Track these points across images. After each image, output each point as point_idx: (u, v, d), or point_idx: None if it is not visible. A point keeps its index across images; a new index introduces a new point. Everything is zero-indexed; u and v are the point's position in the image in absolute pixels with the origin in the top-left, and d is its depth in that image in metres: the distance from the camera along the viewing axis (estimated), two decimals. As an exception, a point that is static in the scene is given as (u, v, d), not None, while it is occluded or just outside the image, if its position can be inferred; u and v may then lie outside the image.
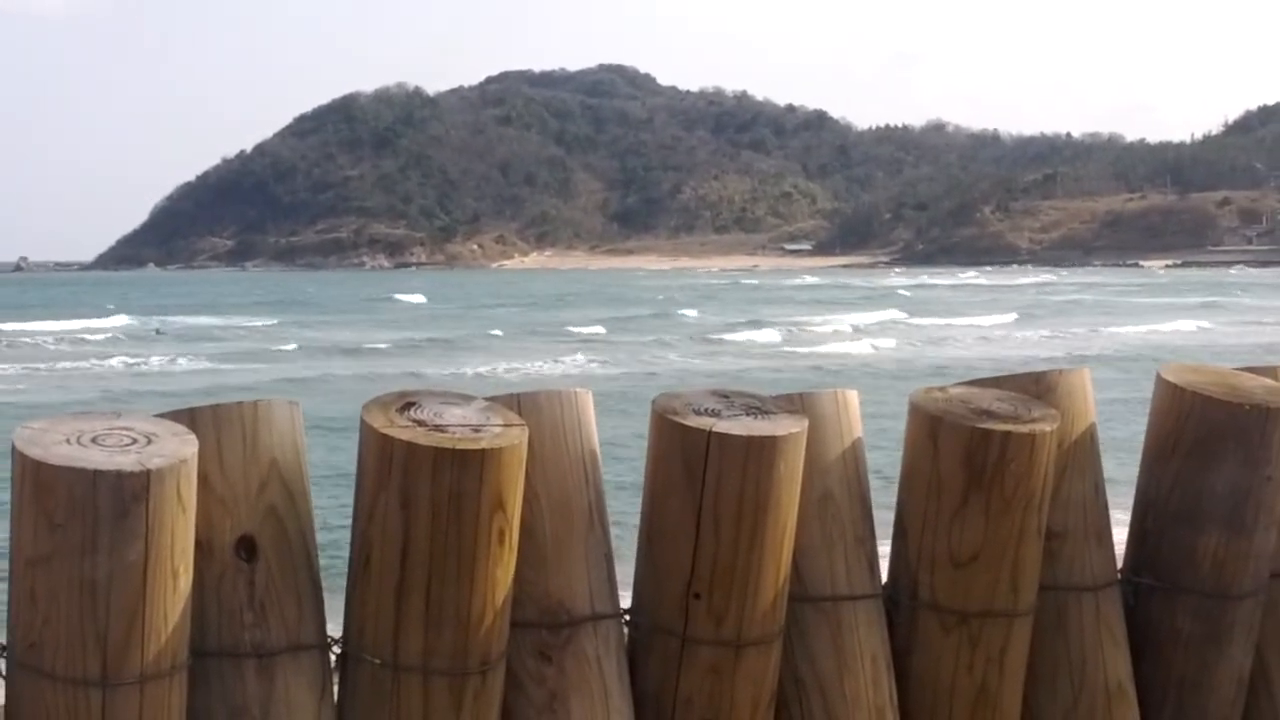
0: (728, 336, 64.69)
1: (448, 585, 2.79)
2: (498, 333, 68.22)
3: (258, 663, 2.82)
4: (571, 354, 54.76)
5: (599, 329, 70.05)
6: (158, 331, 72.48)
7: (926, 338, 64.16)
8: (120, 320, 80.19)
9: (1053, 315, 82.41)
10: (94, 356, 54.82)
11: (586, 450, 3.12)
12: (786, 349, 58.16)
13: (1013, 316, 79.65)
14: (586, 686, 3.05)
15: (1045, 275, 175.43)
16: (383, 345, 61.30)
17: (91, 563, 2.50)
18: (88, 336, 67.49)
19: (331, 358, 54.63)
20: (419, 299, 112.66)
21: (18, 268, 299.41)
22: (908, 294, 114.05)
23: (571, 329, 70.41)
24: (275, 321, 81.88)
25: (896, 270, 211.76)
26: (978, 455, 3.22)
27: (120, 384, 44.25)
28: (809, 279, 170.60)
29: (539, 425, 3.02)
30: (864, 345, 59.02)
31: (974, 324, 73.48)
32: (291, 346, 59.79)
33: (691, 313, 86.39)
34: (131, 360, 53.25)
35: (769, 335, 65.65)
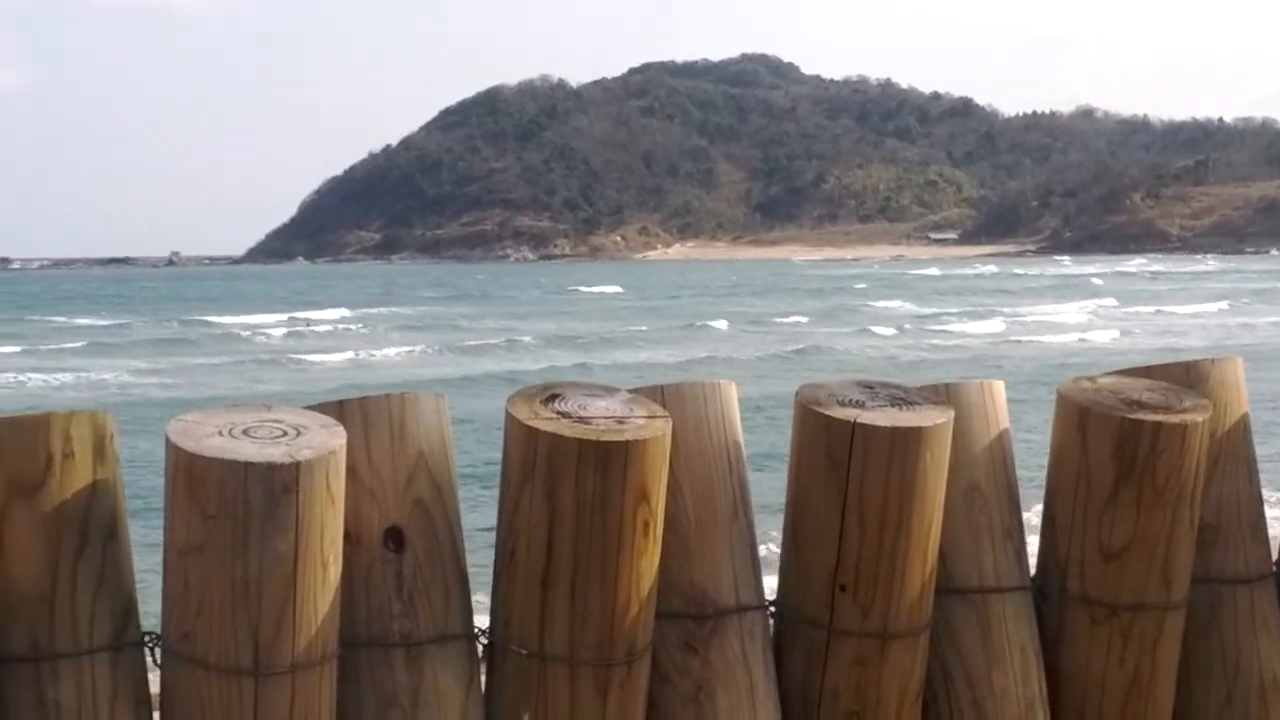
0: (950, 327, 63.40)
1: (592, 577, 2.80)
2: (720, 324, 67.13)
3: (406, 653, 2.84)
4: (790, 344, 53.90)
5: (800, 319, 69.56)
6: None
7: (1152, 327, 62.74)
8: (339, 312, 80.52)
9: (1261, 302, 79.94)
10: (320, 351, 54.31)
11: (730, 441, 3.12)
12: (1013, 339, 56.55)
13: (1222, 304, 77.54)
14: (732, 678, 3.04)
15: (1213, 262, 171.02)
16: (610, 335, 61.34)
17: (243, 553, 2.54)
18: (306, 329, 67.83)
19: (565, 348, 54.55)
20: (612, 289, 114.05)
21: (170, 262, 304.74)
22: (1100, 282, 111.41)
23: (778, 320, 69.82)
24: (473, 312, 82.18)
25: (1060, 258, 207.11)
26: (1128, 446, 3.17)
27: (384, 375, 44.02)
28: (983, 268, 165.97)
29: (682, 416, 3.01)
30: (1103, 334, 57.72)
31: (1194, 312, 71.72)
32: (527, 339, 59.38)
33: (892, 303, 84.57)
34: (374, 352, 52.83)
35: (991, 326, 64.10)
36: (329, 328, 69.75)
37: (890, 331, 61.79)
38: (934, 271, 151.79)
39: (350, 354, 52.69)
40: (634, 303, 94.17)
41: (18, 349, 56.33)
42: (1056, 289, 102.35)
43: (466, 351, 53.65)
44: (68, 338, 63.17)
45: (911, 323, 67.43)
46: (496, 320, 74.88)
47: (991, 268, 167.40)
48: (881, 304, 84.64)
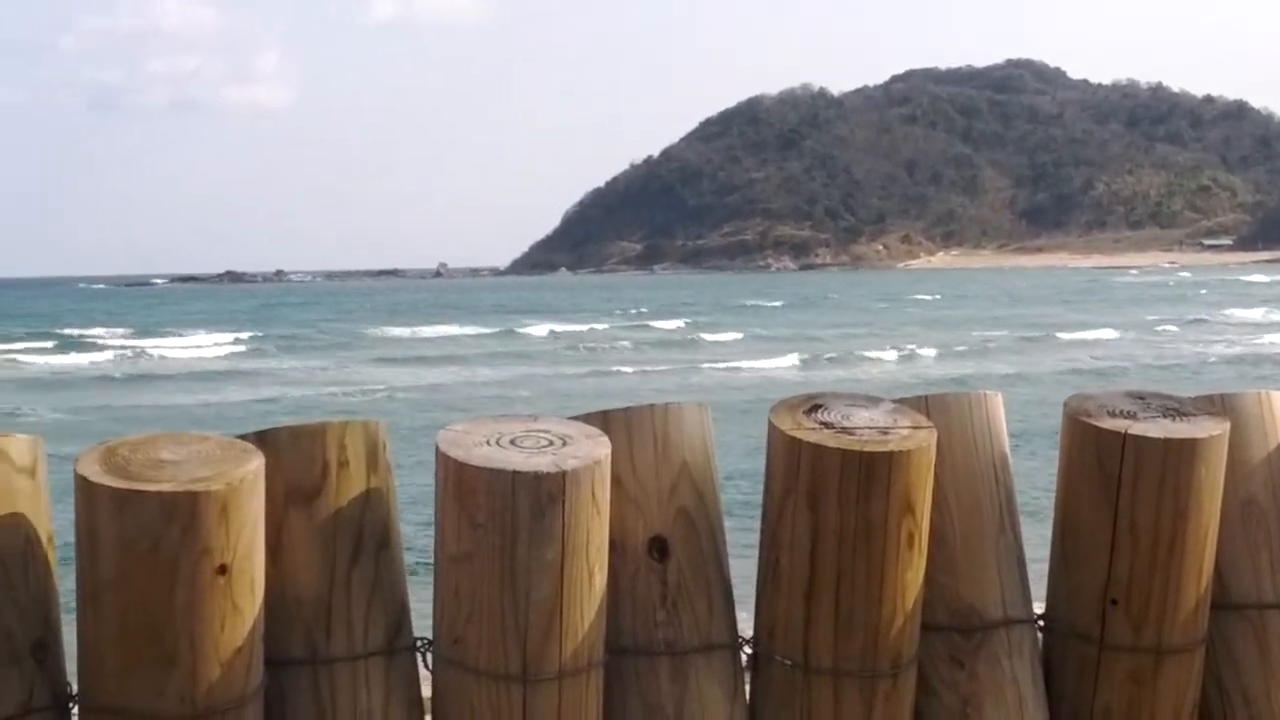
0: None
1: (857, 588, 2.78)
2: (1109, 334, 65.37)
3: (671, 661, 2.86)
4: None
5: (1170, 328, 67.79)
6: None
7: None
8: (675, 322, 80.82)
9: None
10: (713, 361, 53.99)
11: (997, 452, 3.07)
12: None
13: None
14: (1000, 693, 3.00)
15: None
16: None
17: (511, 561, 2.58)
18: (697, 335, 67.93)
19: (968, 359, 53.95)
20: (930, 297, 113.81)
21: (437, 274, 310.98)
22: None
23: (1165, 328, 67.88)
24: (815, 319, 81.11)
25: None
26: None
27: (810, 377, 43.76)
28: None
29: (947, 427, 2.98)
30: None
31: None
32: (912, 346, 58.36)
33: (1250, 311, 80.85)
34: (755, 363, 51.79)
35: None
36: (673, 333, 70.23)
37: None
38: (1261, 278, 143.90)
39: (737, 363, 51.98)
40: (980, 311, 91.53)
41: (374, 355, 57.92)
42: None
43: (848, 362, 52.93)
44: (424, 347, 64.67)
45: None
46: (854, 328, 73.53)
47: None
48: (1236, 312, 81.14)
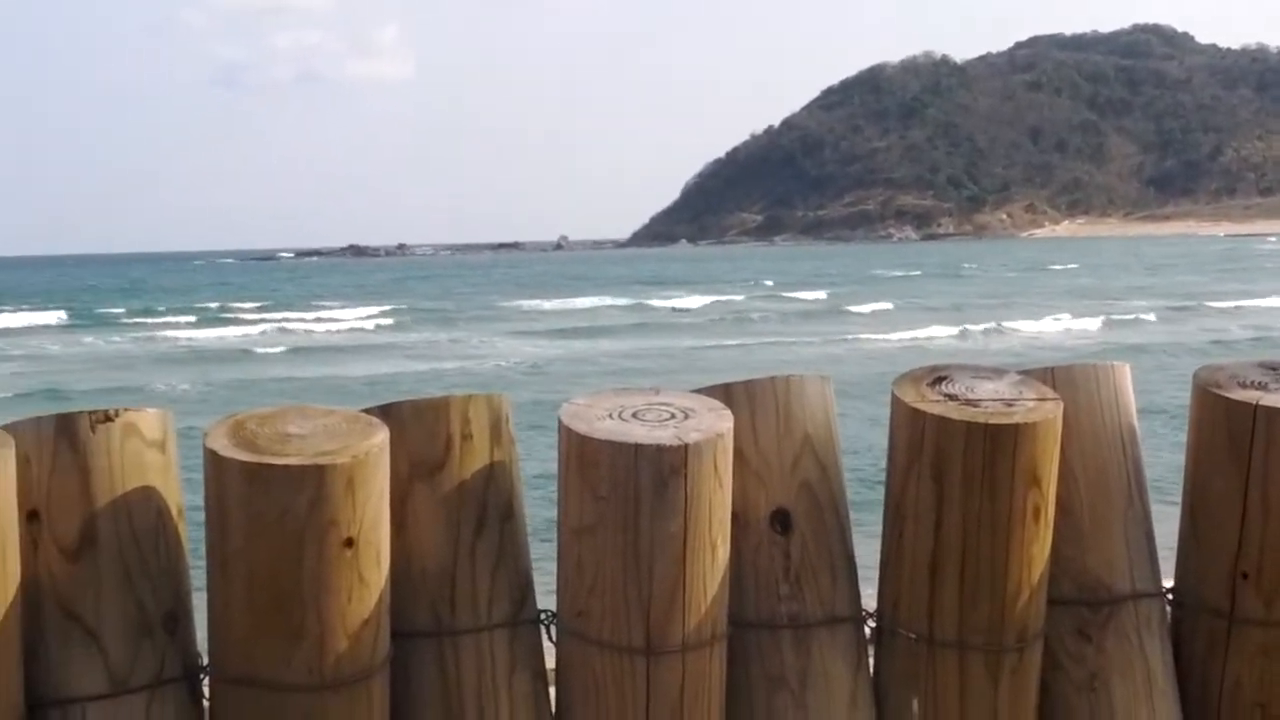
0: None
1: (982, 560, 2.76)
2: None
3: (794, 634, 2.85)
4: None
5: None
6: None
7: None
8: (813, 294, 79.03)
9: None
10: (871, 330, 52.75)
11: (1124, 424, 3.04)
12: None
13: None
14: (1128, 666, 2.97)
15: None
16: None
17: (634, 534, 2.58)
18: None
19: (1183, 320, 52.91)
20: (1067, 266, 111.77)
21: (558, 246, 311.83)
22: None
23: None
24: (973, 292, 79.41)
25: None
26: None
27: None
28: None
29: (1074, 399, 2.95)
30: None
31: None
32: (1152, 316, 56.95)
33: None
34: (917, 332, 50.55)
35: None
36: (814, 304, 69.57)
37: None
38: None
39: (889, 334, 50.58)
40: (1122, 280, 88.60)
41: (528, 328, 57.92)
42: None
43: (1004, 334, 51.37)
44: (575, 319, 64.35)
45: None
46: (1000, 298, 71.39)
47: None
48: None
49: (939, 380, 2.85)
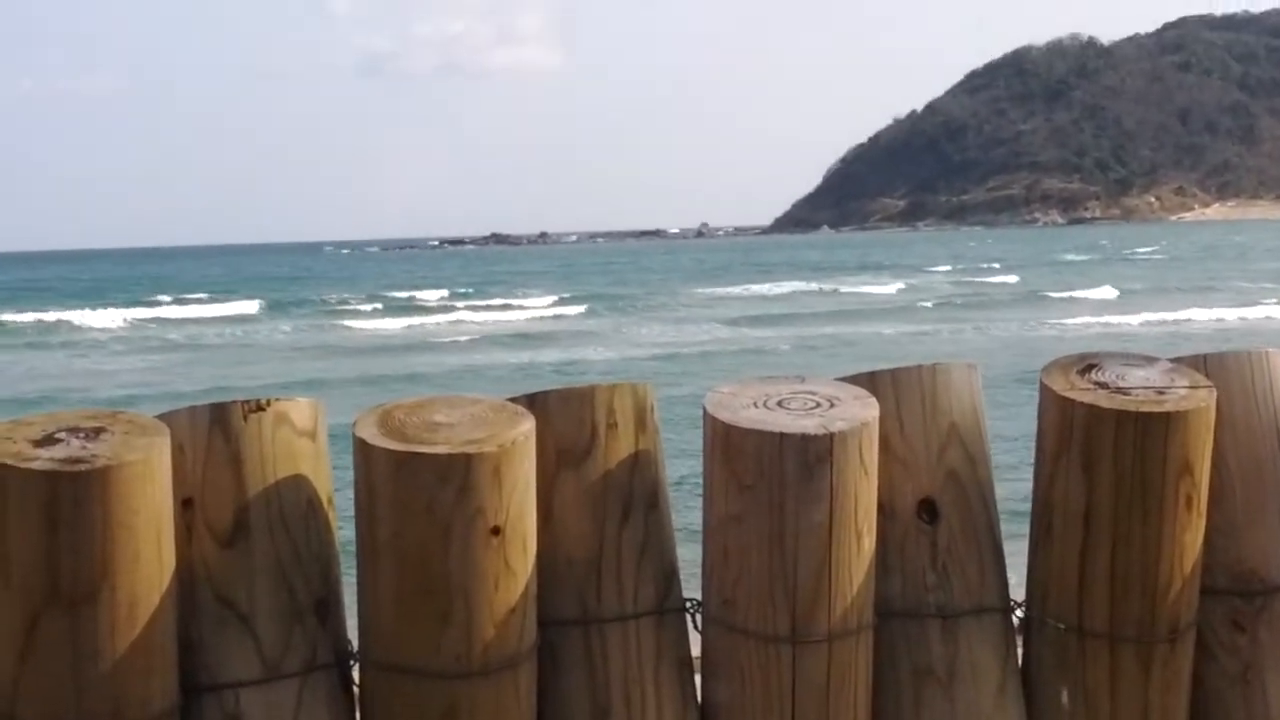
0: None
1: (1133, 550, 2.72)
2: None
3: (941, 624, 2.83)
4: None
5: None
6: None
7: None
8: (1003, 278, 77.57)
9: None
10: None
11: (1279, 413, 2.98)
12: None
13: None
14: (1283, 659, 2.92)
15: None
16: None
17: (779, 523, 2.58)
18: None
19: None
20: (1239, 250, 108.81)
21: (699, 233, 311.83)
22: None
23: None
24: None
25: None
26: None
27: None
28: None
29: (1226, 387, 2.89)
30: None
31: None
32: None
33: None
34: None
35: None
36: (1003, 289, 68.25)
37: None
38: None
39: (1110, 318, 49.92)
40: None
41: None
42: None
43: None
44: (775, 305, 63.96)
45: None
46: (1215, 282, 69.14)
47: None
48: None
49: (1089, 368, 2.81)
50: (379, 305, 68.03)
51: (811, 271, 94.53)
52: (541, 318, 59.73)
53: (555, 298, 70.14)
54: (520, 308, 65.21)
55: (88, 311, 62.22)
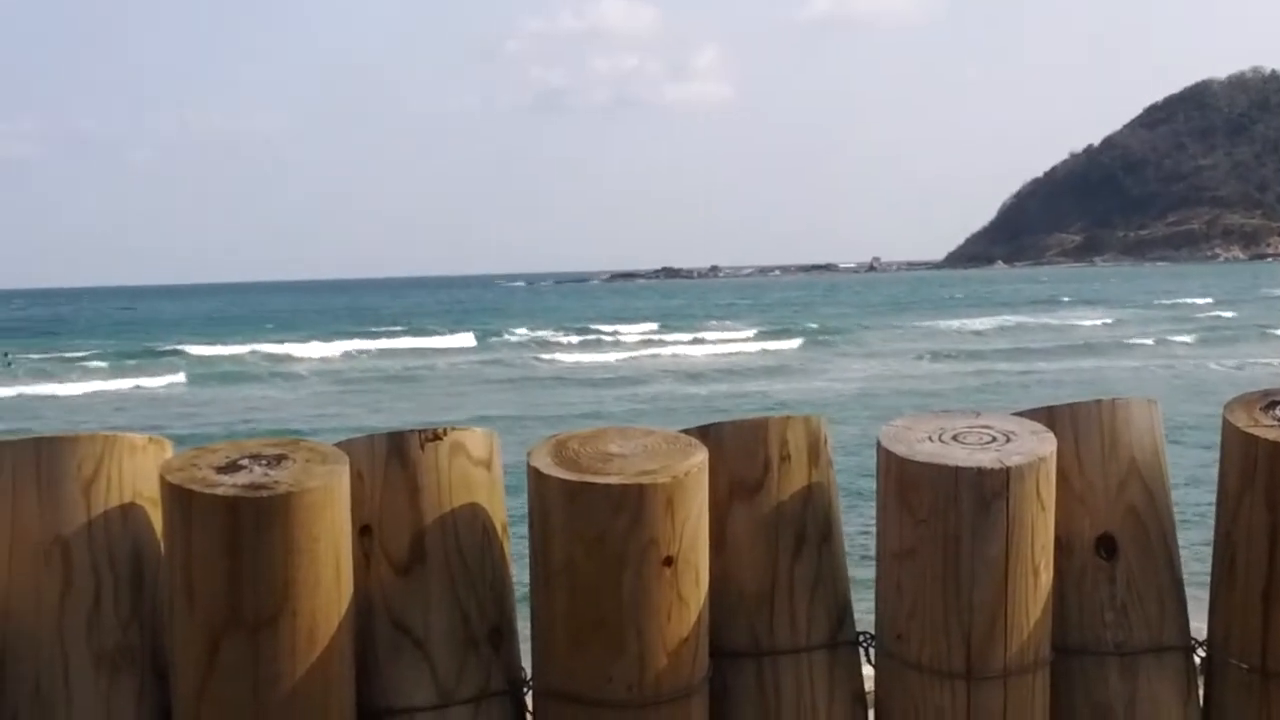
0: None
1: (1321, 590, 2.66)
2: None
3: (1120, 662, 2.79)
4: None
5: None
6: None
7: None
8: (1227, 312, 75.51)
9: None
10: None
11: None
12: None
13: None
14: None
15: None
16: None
17: (954, 558, 2.56)
18: None
19: None
20: None
21: (870, 268, 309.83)
22: None
23: None
24: None
25: None
26: None
27: None
28: None
29: None
30: None
31: None
32: None
33: None
34: None
35: None
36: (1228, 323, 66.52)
37: None
38: None
39: None
40: None
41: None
42: None
43: None
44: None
45: None
46: None
47: None
48: None
49: (1273, 405, 2.75)
50: (586, 338, 68.28)
51: (1018, 306, 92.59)
52: (762, 350, 58.91)
53: (754, 330, 69.57)
54: (727, 339, 64.72)
55: (316, 344, 63.30)
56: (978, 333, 68.02)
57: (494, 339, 68.62)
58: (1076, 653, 2.79)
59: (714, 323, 78.89)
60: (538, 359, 56.97)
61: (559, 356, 58.09)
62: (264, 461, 2.39)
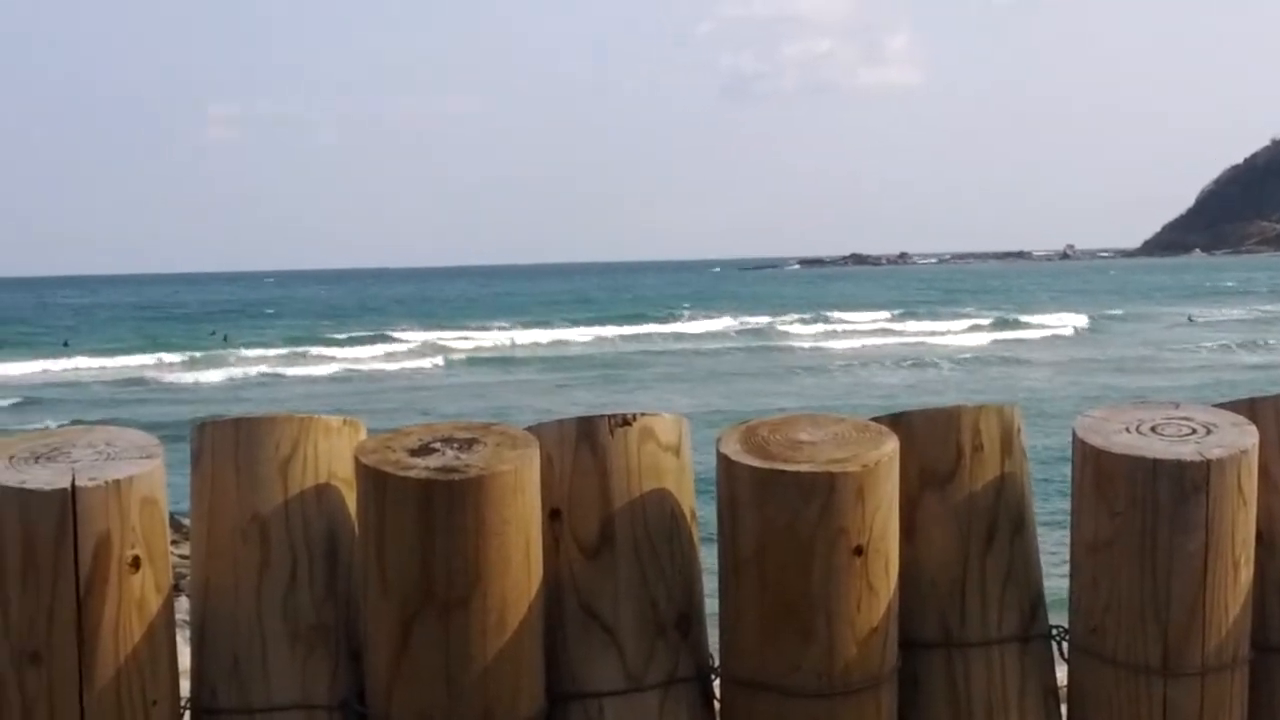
0: None
1: None
2: None
3: None
4: None
5: None
6: None
7: None
8: None
9: None
10: None
11: None
12: None
13: None
14: None
15: None
16: None
17: (1151, 552, 2.51)
18: None
19: None
20: None
21: (1064, 255, 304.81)
22: None
23: None
24: None
25: None
26: None
27: None
28: None
29: None
30: None
31: None
32: None
33: None
34: None
35: None
36: None
37: None
38: None
39: None
40: None
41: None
42: None
43: None
44: None
45: None
46: None
47: None
48: None
49: None
50: (823, 327, 68.89)
51: (1246, 296, 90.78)
52: (968, 345, 58.20)
53: (970, 323, 68.91)
54: (951, 331, 64.66)
55: (581, 329, 65.77)
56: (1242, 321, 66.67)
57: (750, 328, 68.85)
58: (1277, 651, 2.72)
59: (954, 312, 78.15)
60: (818, 347, 57.15)
61: (799, 345, 58.79)
62: (456, 445, 2.41)
